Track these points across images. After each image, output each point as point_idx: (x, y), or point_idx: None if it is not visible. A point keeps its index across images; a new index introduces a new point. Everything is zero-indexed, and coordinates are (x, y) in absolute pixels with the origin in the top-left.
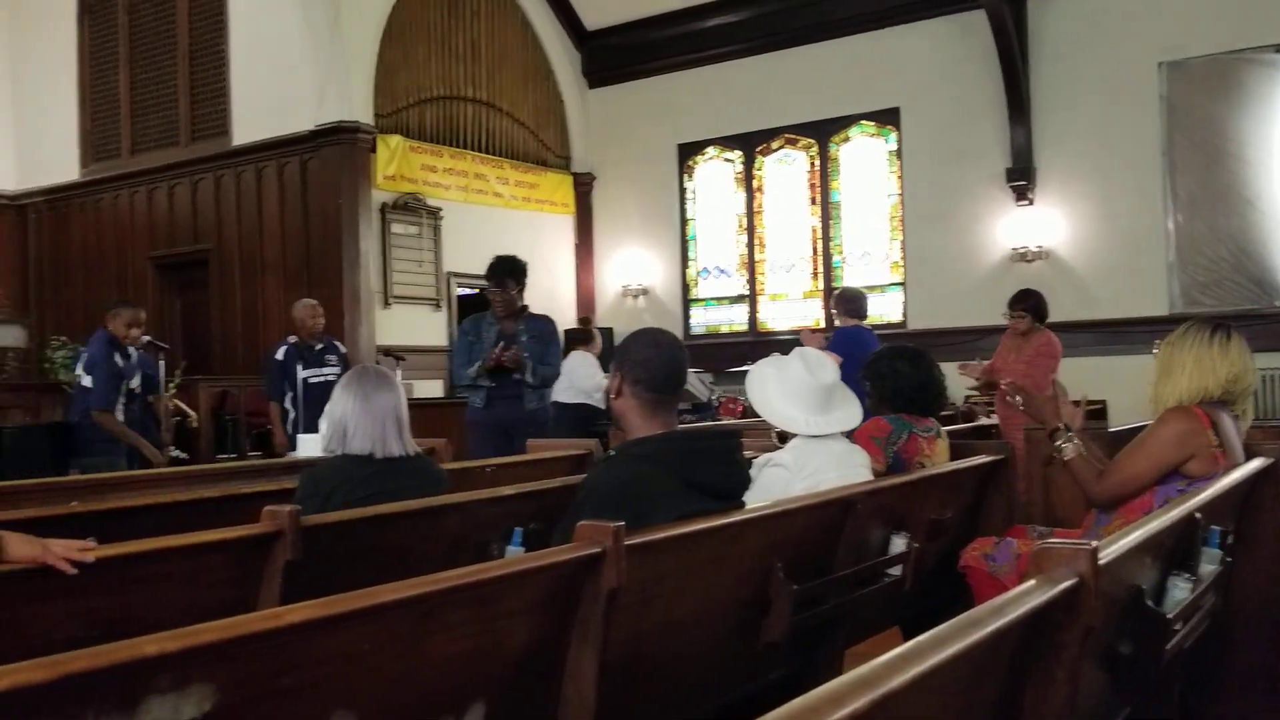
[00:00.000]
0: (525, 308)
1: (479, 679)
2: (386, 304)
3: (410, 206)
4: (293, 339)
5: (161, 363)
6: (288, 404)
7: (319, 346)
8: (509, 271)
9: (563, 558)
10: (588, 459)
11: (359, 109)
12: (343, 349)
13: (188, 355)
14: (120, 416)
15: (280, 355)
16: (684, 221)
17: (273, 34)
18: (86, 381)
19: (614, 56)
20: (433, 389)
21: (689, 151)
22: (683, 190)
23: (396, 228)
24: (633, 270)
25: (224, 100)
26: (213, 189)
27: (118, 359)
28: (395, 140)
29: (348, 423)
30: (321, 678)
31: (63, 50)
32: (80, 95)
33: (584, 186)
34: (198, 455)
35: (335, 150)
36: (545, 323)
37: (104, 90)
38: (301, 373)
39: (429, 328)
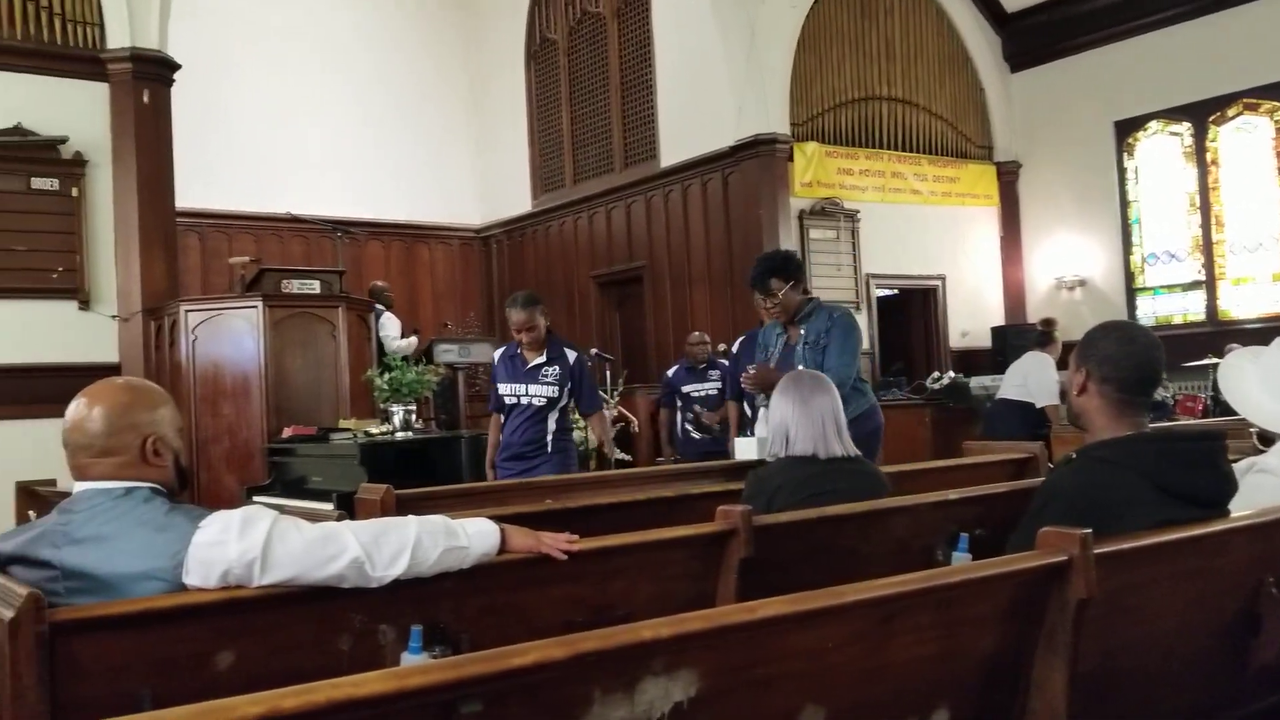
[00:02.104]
0: (813, 300)
1: (942, 684)
2: None
3: (828, 211)
4: (685, 361)
5: (608, 373)
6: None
7: (702, 366)
8: (773, 270)
9: (1027, 565)
10: (1029, 463)
11: (776, 120)
12: (723, 364)
13: (627, 365)
14: None
15: (671, 374)
16: (1125, 204)
17: (694, 59)
18: None
19: (1038, 36)
20: None
21: (1127, 128)
22: (1121, 170)
23: (815, 233)
24: (1066, 261)
25: (652, 127)
26: (644, 209)
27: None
28: (811, 147)
29: (789, 426)
30: (792, 671)
31: (513, 95)
32: (529, 134)
33: (1009, 176)
34: (639, 458)
35: (754, 163)
36: (831, 312)
37: (549, 128)
38: (685, 388)
39: None
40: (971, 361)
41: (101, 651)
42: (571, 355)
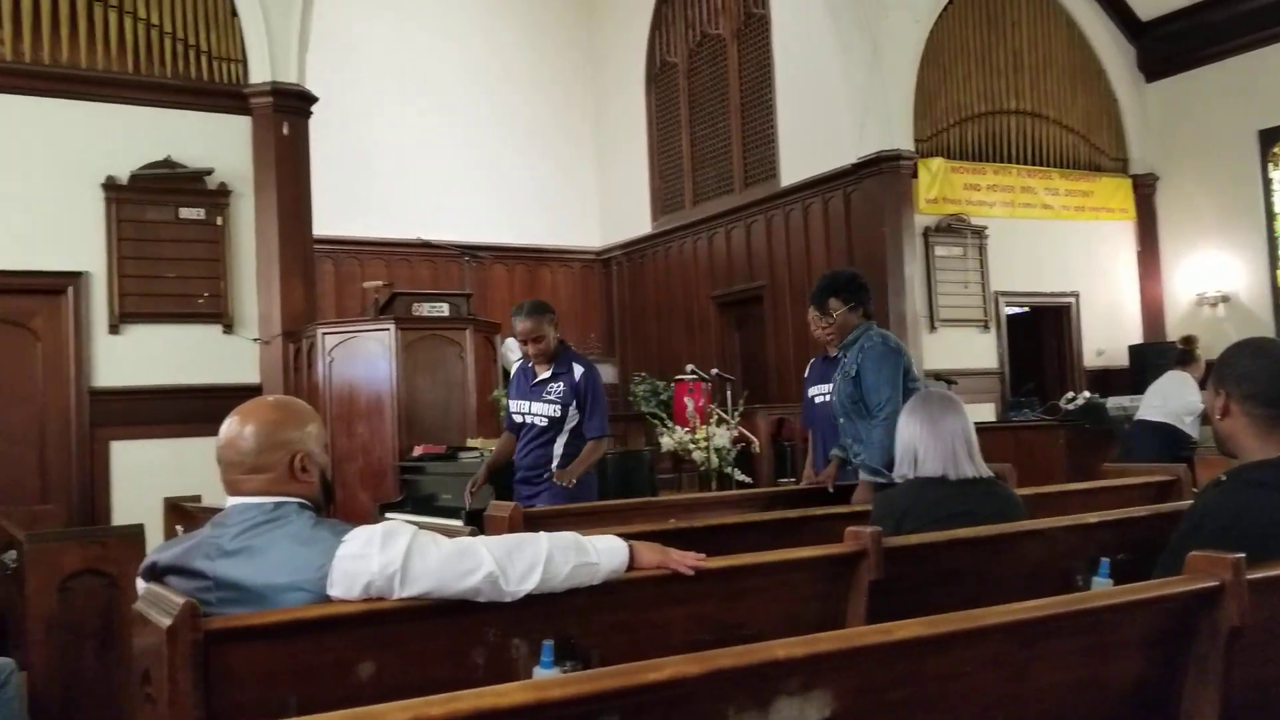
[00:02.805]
0: (861, 326)
1: (1086, 711)
2: (933, 328)
3: (953, 228)
4: None
5: (728, 393)
6: None
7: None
8: (834, 289)
9: (1176, 590)
10: (1173, 486)
11: (899, 137)
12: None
13: (747, 385)
14: None
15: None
16: (1270, 217)
17: (814, 78)
18: None
19: (1175, 44)
20: (985, 413)
21: (1272, 137)
22: (1266, 181)
23: (940, 250)
24: (1208, 276)
25: (772, 146)
26: (764, 229)
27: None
28: (936, 163)
29: (917, 447)
30: (929, 695)
31: (633, 118)
32: (649, 156)
33: (1145, 189)
34: (759, 479)
35: (877, 180)
36: (863, 342)
37: (669, 150)
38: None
39: (977, 350)
40: (1108, 381)
41: (252, 659)
42: (579, 370)
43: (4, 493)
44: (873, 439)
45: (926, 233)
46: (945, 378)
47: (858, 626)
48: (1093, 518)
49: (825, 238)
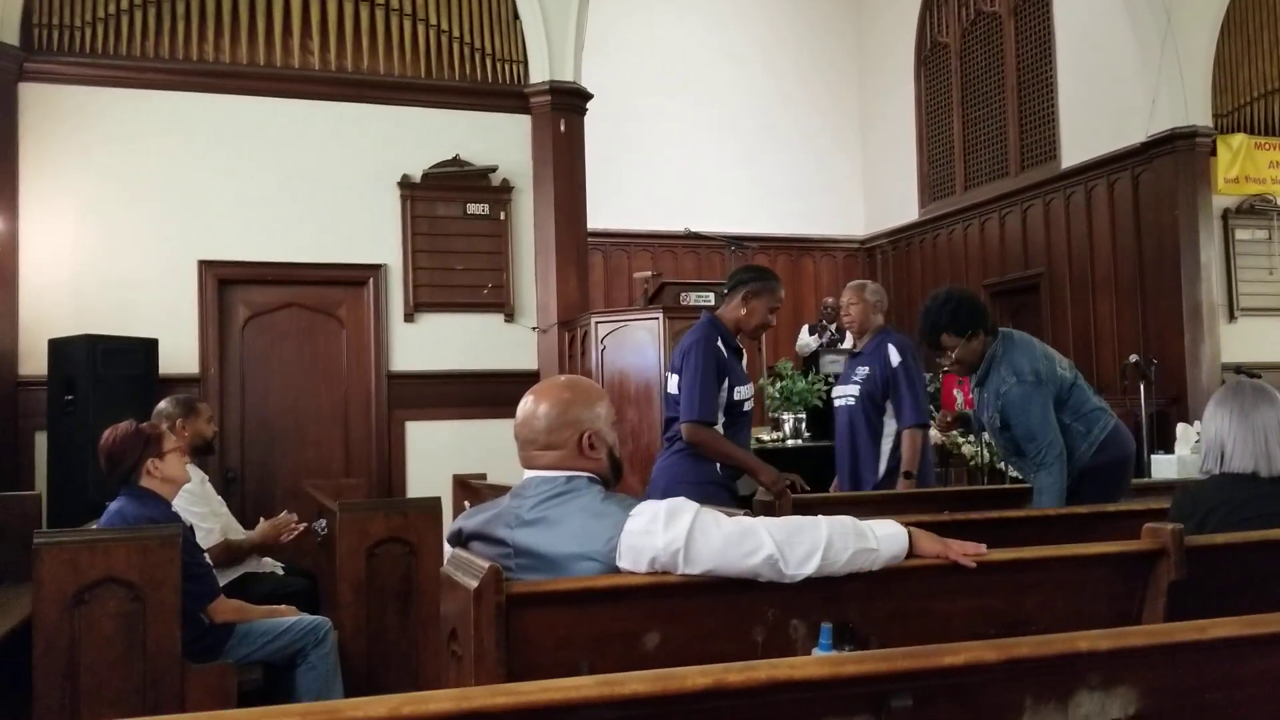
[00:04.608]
0: (992, 351)
1: None
2: (1232, 318)
3: (1257, 209)
4: None
5: None
6: None
7: None
8: (938, 327)
9: None
10: None
11: (1195, 112)
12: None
13: None
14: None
15: None
16: None
17: (1100, 52)
18: None
19: None
20: None
21: None
22: None
23: (1241, 234)
24: None
25: (1052, 126)
26: (1042, 213)
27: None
28: (1238, 139)
29: (1225, 441)
30: (1246, 699)
31: (902, 102)
32: (918, 141)
33: None
34: None
35: (1169, 159)
36: (999, 387)
37: (939, 134)
38: None
39: None
40: None
41: (548, 623)
42: None
43: (315, 467)
44: (1040, 486)
45: (1226, 215)
46: (1248, 371)
47: (1181, 623)
48: None
49: (1110, 222)
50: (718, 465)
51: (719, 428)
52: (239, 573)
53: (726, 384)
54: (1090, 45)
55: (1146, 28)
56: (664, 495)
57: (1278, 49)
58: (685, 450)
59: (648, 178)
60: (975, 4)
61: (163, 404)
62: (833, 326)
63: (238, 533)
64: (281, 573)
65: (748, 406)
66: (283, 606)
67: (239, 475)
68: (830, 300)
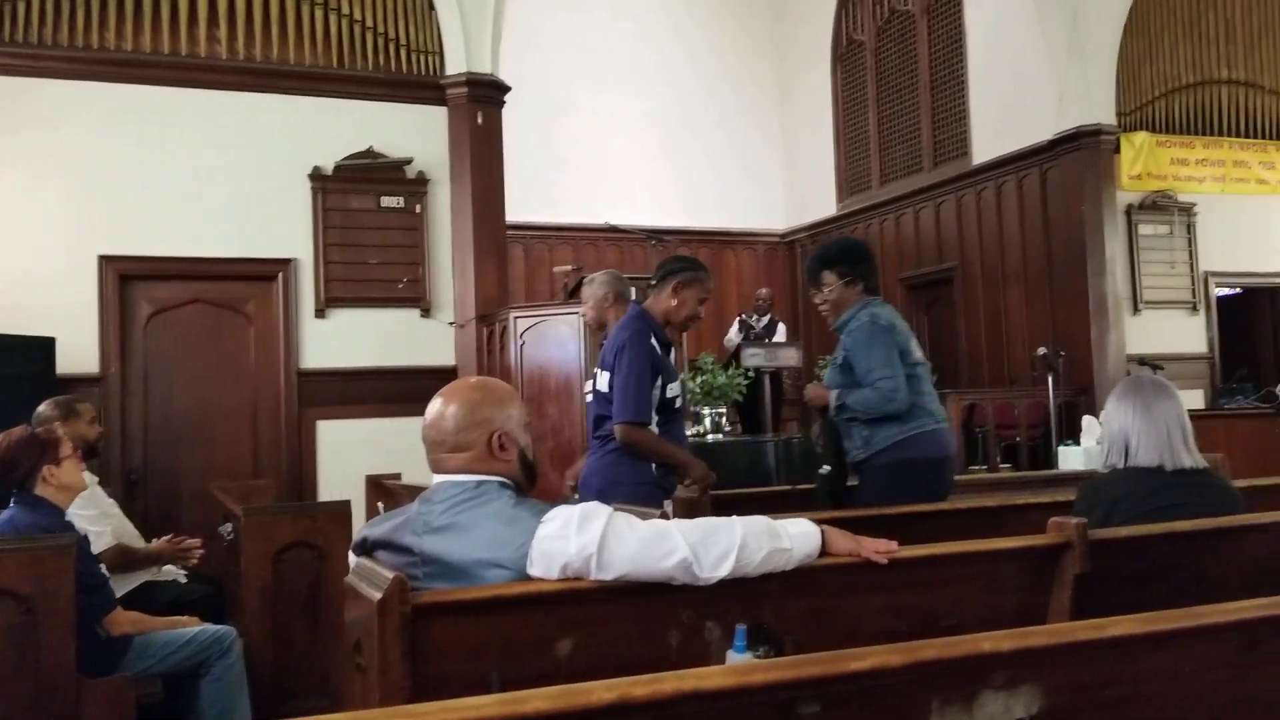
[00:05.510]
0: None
1: None
2: (1136, 310)
3: (1159, 205)
4: None
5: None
6: None
7: None
8: (826, 261)
9: None
10: None
11: (1100, 110)
12: None
13: (937, 369)
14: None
15: None
16: None
17: (1009, 51)
18: None
19: None
20: (1194, 399)
21: None
22: None
23: (1144, 229)
24: None
25: (964, 123)
26: (955, 209)
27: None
28: (1141, 137)
29: (1130, 435)
30: (1145, 695)
31: (819, 98)
32: (835, 137)
33: None
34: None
35: (1075, 156)
36: (850, 323)
37: (855, 129)
38: None
39: (1185, 333)
40: None
41: (457, 633)
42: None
43: (223, 468)
44: (863, 392)
45: (1130, 211)
46: (1150, 363)
47: (1062, 621)
48: None
49: (1020, 217)
50: (653, 465)
51: (653, 426)
52: (139, 581)
53: (659, 382)
54: (1000, 45)
55: (1054, 28)
56: (599, 497)
57: (1179, 49)
58: (619, 450)
59: (568, 171)
60: (889, 3)
61: (41, 407)
62: (765, 319)
63: (134, 539)
64: (184, 580)
65: (679, 403)
66: (185, 617)
67: (142, 476)
68: (764, 291)
